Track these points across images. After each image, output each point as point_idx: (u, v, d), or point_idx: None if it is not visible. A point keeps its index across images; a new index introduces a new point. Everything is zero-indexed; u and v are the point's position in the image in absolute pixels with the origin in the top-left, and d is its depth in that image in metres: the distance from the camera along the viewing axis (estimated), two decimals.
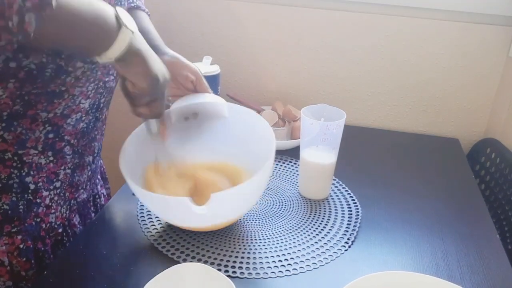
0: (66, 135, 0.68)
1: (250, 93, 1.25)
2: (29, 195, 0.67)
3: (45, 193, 0.69)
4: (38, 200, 0.69)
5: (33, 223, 0.69)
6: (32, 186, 0.67)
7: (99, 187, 0.87)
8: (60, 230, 0.74)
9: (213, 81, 1.07)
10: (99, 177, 0.87)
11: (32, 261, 0.70)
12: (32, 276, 0.70)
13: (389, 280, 0.59)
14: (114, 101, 0.78)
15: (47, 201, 0.70)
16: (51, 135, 0.66)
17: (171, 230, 0.75)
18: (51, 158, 0.68)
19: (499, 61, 1.10)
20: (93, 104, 0.69)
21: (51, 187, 0.70)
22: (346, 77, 1.18)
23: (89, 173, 0.78)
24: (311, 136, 0.80)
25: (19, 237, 0.68)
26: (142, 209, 0.80)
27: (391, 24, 1.11)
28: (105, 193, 0.90)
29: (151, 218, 0.78)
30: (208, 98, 0.77)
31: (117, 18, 0.54)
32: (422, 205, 0.86)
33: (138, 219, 0.78)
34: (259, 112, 1.11)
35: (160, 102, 0.64)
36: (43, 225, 0.71)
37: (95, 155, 0.78)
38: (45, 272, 0.66)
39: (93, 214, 0.83)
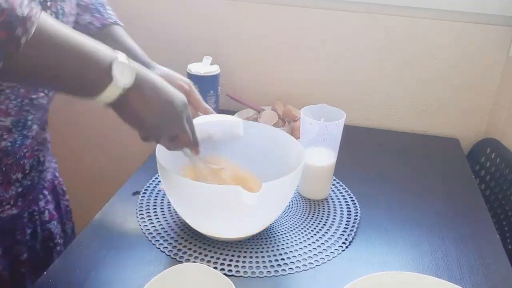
0: None
1: (250, 93, 1.25)
2: None
3: None
4: None
5: None
6: None
7: (43, 202, 0.79)
8: None
9: (213, 81, 1.07)
10: (45, 192, 0.80)
11: None
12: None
13: (389, 280, 0.59)
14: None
15: None
16: None
17: (171, 230, 0.75)
18: None
19: (499, 61, 1.10)
20: (17, 121, 0.64)
21: None
22: (346, 77, 1.18)
23: (20, 189, 0.72)
24: (311, 136, 0.80)
25: None
26: (142, 209, 0.80)
27: (391, 24, 1.11)
28: (52, 208, 0.82)
29: (150, 218, 0.78)
30: (224, 118, 0.78)
31: (110, 69, 0.50)
32: (422, 205, 0.86)
33: (138, 219, 0.78)
34: (259, 112, 1.11)
35: (181, 135, 0.62)
36: None
37: (27, 172, 0.72)
38: (45, 273, 0.66)
39: (29, 230, 0.76)
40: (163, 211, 0.80)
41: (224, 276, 0.57)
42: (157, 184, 0.87)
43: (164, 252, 0.70)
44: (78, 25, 0.77)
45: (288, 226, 0.77)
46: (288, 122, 1.09)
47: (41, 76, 0.48)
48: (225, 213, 0.67)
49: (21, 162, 0.70)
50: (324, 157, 0.82)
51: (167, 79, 0.64)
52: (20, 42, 0.43)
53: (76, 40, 0.49)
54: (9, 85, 0.60)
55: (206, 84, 1.06)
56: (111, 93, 0.51)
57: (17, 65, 0.45)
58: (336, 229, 0.77)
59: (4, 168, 0.67)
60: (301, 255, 0.71)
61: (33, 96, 0.64)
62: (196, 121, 0.78)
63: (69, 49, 0.48)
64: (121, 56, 0.52)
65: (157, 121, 0.57)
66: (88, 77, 0.50)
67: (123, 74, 0.51)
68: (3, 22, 0.41)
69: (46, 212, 0.80)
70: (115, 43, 0.78)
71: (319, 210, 0.82)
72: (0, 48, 0.42)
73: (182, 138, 0.63)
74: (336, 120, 0.79)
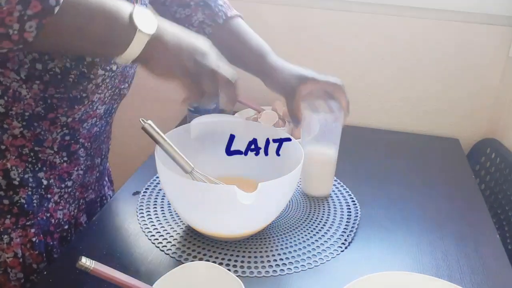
0: (81, 138, 0.70)
1: (250, 93, 1.24)
2: (42, 190, 0.69)
3: (56, 190, 0.71)
4: (49, 196, 0.70)
5: (44, 217, 0.71)
6: (45, 182, 0.69)
7: (106, 188, 0.88)
8: (66, 227, 0.76)
9: None
10: (106, 179, 0.88)
11: (44, 254, 0.71)
12: (43, 270, 0.71)
13: (389, 280, 0.59)
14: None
15: (56, 197, 0.72)
16: (67, 138, 0.67)
17: (171, 230, 0.75)
18: (65, 159, 0.69)
19: (499, 61, 1.10)
20: (107, 109, 0.71)
21: (63, 185, 0.72)
22: (346, 77, 1.18)
23: (97, 174, 0.80)
24: (312, 132, 0.80)
25: (32, 230, 0.69)
26: (142, 209, 0.80)
27: (391, 24, 1.11)
28: (111, 195, 0.91)
29: (150, 218, 0.78)
30: (225, 117, 0.78)
31: (131, 20, 0.51)
32: (422, 205, 0.86)
33: (138, 219, 0.78)
34: (259, 112, 1.11)
35: (213, 79, 0.58)
36: (52, 220, 0.72)
37: (103, 157, 0.80)
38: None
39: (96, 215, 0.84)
40: (163, 211, 0.80)
41: (233, 275, 0.57)
42: (157, 184, 0.87)
43: (163, 251, 0.70)
44: (192, 27, 0.79)
45: (288, 226, 0.77)
46: (288, 122, 1.09)
47: (72, 40, 0.51)
48: (223, 213, 0.67)
49: (101, 147, 0.77)
50: (326, 152, 0.82)
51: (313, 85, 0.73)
52: (54, 11, 0.46)
53: (101, 3, 0.50)
54: (108, 75, 0.65)
55: None
56: (138, 43, 0.52)
57: (52, 32, 0.47)
58: (336, 229, 0.77)
59: (92, 153, 0.74)
60: (300, 255, 0.71)
61: (122, 87, 0.71)
62: (197, 120, 0.78)
63: (95, 11, 0.50)
64: (139, 7, 0.53)
65: (186, 65, 0.56)
66: (114, 32, 0.51)
67: (145, 22, 0.52)
68: None
69: (109, 197, 0.89)
70: (230, 38, 0.79)
71: (318, 210, 0.82)
72: (36, 19, 0.45)
73: (219, 76, 0.60)
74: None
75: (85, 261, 0.53)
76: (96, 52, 0.55)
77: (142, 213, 0.79)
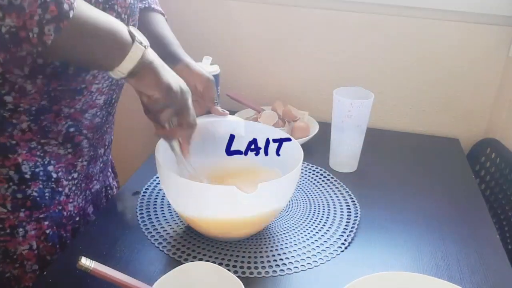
0: (84, 129, 0.71)
1: (250, 93, 1.25)
2: (52, 183, 0.71)
3: (65, 183, 0.73)
4: (60, 189, 0.72)
5: (56, 210, 0.73)
6: (54, 175, 0.71)
7: (110, 179, 0.90)
8: (77, 219, 0.78)
9: None
10: (110, 169, 0.90)
11: (57, 246, 0.74)
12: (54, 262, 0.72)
13: (389, 280, 0.59)
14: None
15: (67, 190, 0.74)
16: (71, 129, 0.69)
17: (171, 230, 0.75)
18: (70, 150, 0.71)
19: (499, 61, 1.10)
20: (106, 99, 0.73)
21: (70, 178, 0.73)
22: (346, 77, 1.18)
23: (101, 164, 0.81)
24: (340, 113, 0.91)
25: (46, 222, 0.72)
26: (142, 209, 0.80)
27: (391, 24, 1.11)
28: (116, 185, 0.93)
29: (151, 218, 0.78)
30: (226, 117, 0.78)
31: (130, 33, 0.56)
32: (422, 205, 0.86)
33: (138, 219, 0.78)
34: (259, 112, 1.11)
35: (184, 114, 0.65)
36: (64, 213, 0.75)
37: (106, 147, 0.81)
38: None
39: (105, 204, 0.87)
40: (163, 211, 0.80)
41: (234, 275, 0.57)
42: (157, 184, 0.87)
43: (163, 251, 0.70)
44: None
45: (288, 226, 0.77)
46: (288, 122, 1.09)
47: (84, 46, 0.54)
48: (223, 213, 0.67)
49: (104, 137, 0.79)
50: (351, 134, 0.92)
51: (184, 73, 0.71)
52: (70, 17, 0.49)
53: (105, 16, 0.55)
54: None
55: None
56: (135, 54, 0.56)
57: (67, 39, 0.51)
58: (336, 229, 0.77)
59: (94, 143, 0.76)
60: (299, 255, 0.71)
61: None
62: (198, 120, 0.78)
63: (102, 21, 0.54)
64: (132, 27, 0.58)
65: (165, 93, 0.61)
66: (114, 45, 0.56)
67: (140, 36, 0.58)
68: None
69: (114, 187, 0.92)
70: (145, 29, 0.78)
71: (318, 210, 0.82)
72: (54, 23, 0.48)
73: (181, 119, 0.65)
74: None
75: (85, 261, 0.53)
76: (100, 61, 0.58)
77: (142, 213, 0.79)
